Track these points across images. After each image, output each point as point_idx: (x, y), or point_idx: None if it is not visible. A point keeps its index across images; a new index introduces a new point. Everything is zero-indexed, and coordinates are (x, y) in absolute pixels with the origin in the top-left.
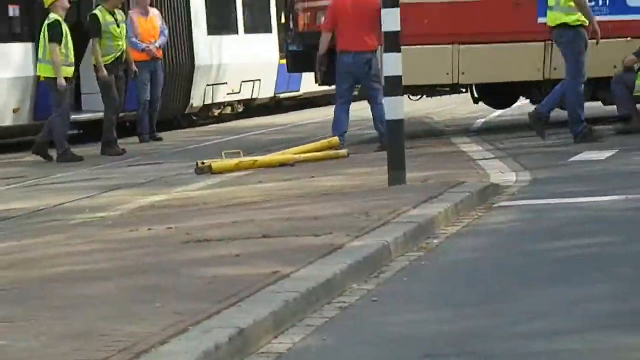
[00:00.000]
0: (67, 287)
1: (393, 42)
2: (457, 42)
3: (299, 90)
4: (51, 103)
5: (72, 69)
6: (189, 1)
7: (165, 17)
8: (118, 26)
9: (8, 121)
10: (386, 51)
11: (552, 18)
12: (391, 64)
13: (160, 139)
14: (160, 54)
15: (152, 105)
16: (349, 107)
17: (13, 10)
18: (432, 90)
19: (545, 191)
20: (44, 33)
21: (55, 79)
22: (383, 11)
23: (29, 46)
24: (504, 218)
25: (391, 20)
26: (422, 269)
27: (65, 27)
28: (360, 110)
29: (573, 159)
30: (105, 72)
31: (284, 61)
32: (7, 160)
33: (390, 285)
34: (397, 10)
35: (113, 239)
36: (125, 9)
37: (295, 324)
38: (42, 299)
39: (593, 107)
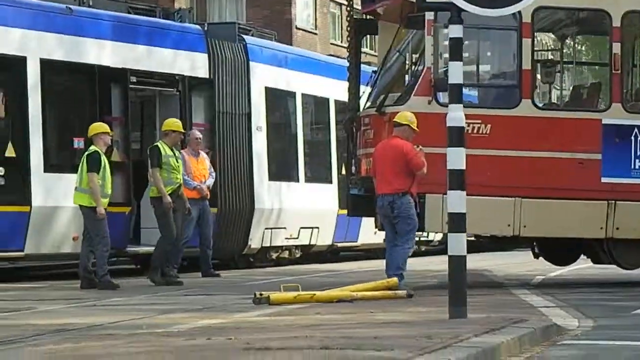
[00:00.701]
0: None
1: (457, 180)
2: (519, 195)
3: (356, 241)
4: (89, 232)
5: (107, 199)
6: (252, 147)
7: (228, 160)
8: (177, 160)
9: (68, 248)
10: (450, 189)
11: None
12: (455, 202)
13: (217, 275)
14: (208, 194)
15: (206, 243)
16: (392, 247)
17: (77, 143)
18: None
19: (609, 334)
20: (83, 162)
21: (93, 207)
22: (448, 150)
23: None
24: (567, 353)
25: (455, 158)
26: None
27: (104, 159)
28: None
29: (636, 311)
30: (169, 199)
31: (343, 211)
32: (65, 285)
33: None
34: (461, 150)
35: (172, 344)
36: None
37: None
38: None
39: None
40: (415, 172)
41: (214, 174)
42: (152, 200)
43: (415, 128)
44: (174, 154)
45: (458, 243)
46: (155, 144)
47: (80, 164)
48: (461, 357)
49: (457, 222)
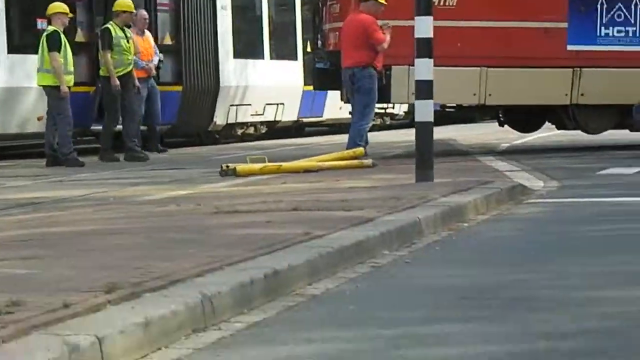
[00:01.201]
0: (97, 238)
1: (425, 48)
2: (484, 64)
3: (321, 116)
4: (52, 111)
5: (72, 77)
6: (216, 25)
7: (192, 39)
8: (128, 41)
9: (33, 128)
10: (418, 57)
11: None
12: (422, 69)
13: (165, 151)
14: (154, 72)
15: (156, 120)
16: None
17: (40, 24)
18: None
19: (574, 192)
20: (43, 43)
21: (57, 86)
22: (416, 18)
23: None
24: (534, 209)
25: (423, 27)
26: (455, 242)
27: (63, 38)
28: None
29: (600, 172)
30: (117, 83)
31: (308, 87)
32: (32, 162)
33: (422, 251)
34: (429, 18)
35: (141, 210)
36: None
37: (329, 275)
38: (73, 245)
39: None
40: (376, 47)
41: (158, 53)
42: (102, 80)
43: (382, 1)
44: (125, 35)
45: (425, 109)
46: (106, 25)
47: (40, 45)
48: (429, 215)
49: (424, 89)
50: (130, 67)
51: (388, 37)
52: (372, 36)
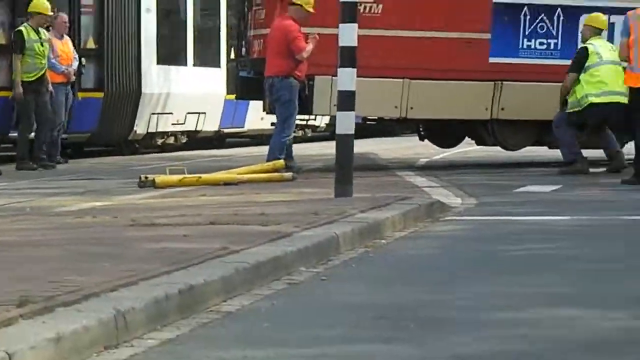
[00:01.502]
0: (12, 250)
1: (348, 57)
2: (407, 76)
3: (243, 126)
4: None
5: None
6: (140, 29)
7: (115, 43)
8: (42, 45)
9: None
10: (341, 66)
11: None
12: (345, 79)
13: (62, 162)
14: (73, 78)
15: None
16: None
17: None
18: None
19: (491, 210)
20: None
21: None
22: (340, 26)
23: None
24: (452, 227)
25: (347, 35)
26: (372, 259)
27: None
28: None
29: (517, 190)
30: (20, 90)
31: (231, 96)
32: None
33: (339, 268)
34: (354, 26)
35: (57, 221)
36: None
37: (244, 292)
38: None
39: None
40: (295, 55)
41: (77, 58)
42: (13, 85)
43: (310, 9)
44: (40, 38)
45: (346, 121)
46: (19, 27)
47: None
48: (347, 231)
49: (346, 100)
50: (43, 71)
51: (310, 47)
52: (292, 43)
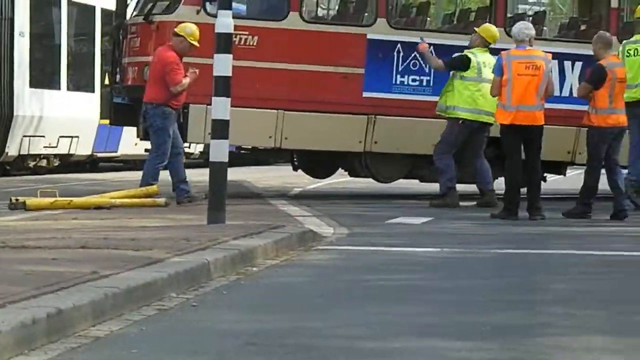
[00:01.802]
0: None
1: (223, 87)
2: (282, 108)
3: (116, 151)
4: None
5: None
6: (13, 53)
7: None
8: None
9: None
10: (215, 95)
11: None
12: (219, 108)
13: None
14: None
15: None
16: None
17: None
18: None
19: (362, 241)
20: None
21: None
22: (215, 56)
23: None
24: (322, 256)
25: (222, 65)
26: (243, 286)
27: None
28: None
29: (389, 221)
30: None
31: (104, 121)
32: None
33: (210, 295)
34: (228, 57)
35: None
36: None
37: (114, 317)
38: None
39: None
40: (170, 87)
41: None
42: None
43: (194, 42)
44: None
45: (220, 149)
46: None
47: None
48: (218, 257)
49: (220, 128)
50: None
51: (186, 81)
52: (167, 75)
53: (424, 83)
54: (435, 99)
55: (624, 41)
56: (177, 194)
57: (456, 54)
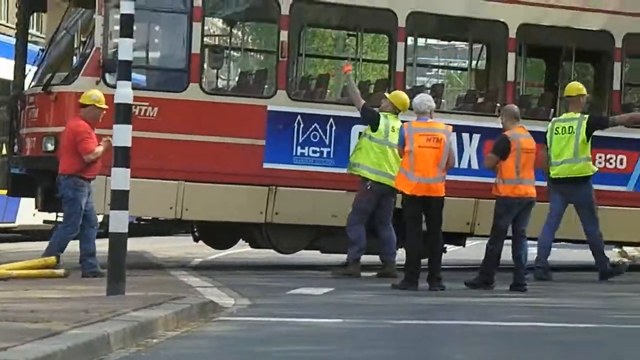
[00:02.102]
0: None
1: (122, 157)
2: (182, 178)
3: (14, 222)
4: None
5: None
6: None
7: None
8: None
9: None
10: (115, 166)
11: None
12: (119, 179)
13: None
14: None
15: None
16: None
17: None
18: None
19: (264, 312)
20: None
21: None
22: (115, 127)
23: None
24: (224, 328)
25: (121, 135)
26: (142, 358)
27: None
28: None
29: (290, 292)
30: None
31: (1, 191)
32: None
33: None
34: (128, 127)
35: None
36: None
37: None
38: None
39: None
40: (83, 156)
41: None
42: None
43: (103, 106)
44: None
45: (120, 220)
46: None
47: None
48: (118, 330)
49: (119, 199)
50: None
51: (99, 149)
52: (79, 145)
53: (325, 154)
54: (336, 170)
55: (553, 119)
56: (83, 267)
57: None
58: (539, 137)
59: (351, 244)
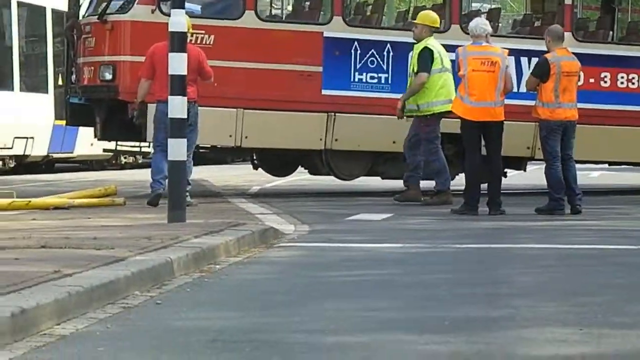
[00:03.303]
0: None
1: (179, 86)
2: (241, 106)
3: (72, 152)
4: None
5: None
6: None
7: None
8: None
9: None
10: (172, 94)
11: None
12: (176, 107)
13: None
14: None
15: None
16: (166, 155)
17: None
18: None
19: (324, 237)
20: None
21: None
22: (170, 55)
23: None
24: (286, 253)
25: (177, 64)
26: (206, 284)
27: None
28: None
29: (349, 218)
30: None
31: (60, 122)
32: None
33: (174, 293)
34: (184, 55)
35: None
36: None
37: (78, 316)
38: None
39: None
40: (208, 79)
41: None
42: None
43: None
44: None
45: (178, 148)
46: None
47: None
48: (181, 256)
49: (177, 127)
50: None
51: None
52: (206, 68)
53: (382, 80)
54: (395, 96)
55: None
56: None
57: (419, 57)
58: (597, 61)
59: (437, 174)
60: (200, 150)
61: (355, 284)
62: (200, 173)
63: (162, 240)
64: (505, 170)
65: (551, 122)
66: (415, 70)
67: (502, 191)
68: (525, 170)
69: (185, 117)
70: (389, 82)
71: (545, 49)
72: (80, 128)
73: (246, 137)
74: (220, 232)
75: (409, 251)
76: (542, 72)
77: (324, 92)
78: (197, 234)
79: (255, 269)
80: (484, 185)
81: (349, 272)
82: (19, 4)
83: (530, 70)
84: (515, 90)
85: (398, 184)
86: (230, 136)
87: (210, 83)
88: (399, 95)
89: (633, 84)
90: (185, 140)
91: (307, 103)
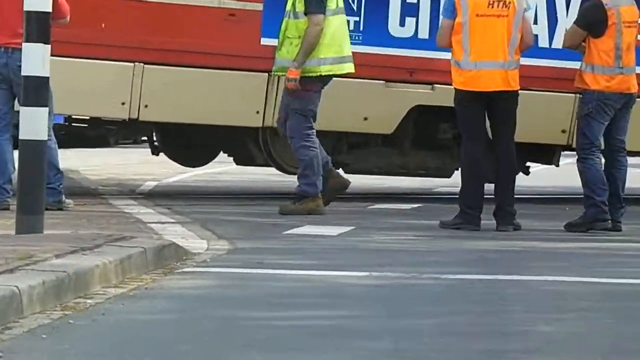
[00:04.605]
0: None
1: (37, 29)
2: (142, 60)
3: None
4: None
5: None
6: None
7: None
8: None
9: None
10: (27, 41)
11: None
12: (34, 59)
13: None
14: None
15: None
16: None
17: None
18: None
19: (251, 260)
20: None
21: None
22: None
23: None
24: (192, 282)
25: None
26: (72, 328)
27: None
28: None
29: (289, 231)
30: None
31: None
32: None
33: (22, 340)
34: None
35: None
36: None
37: None
38: None
39: None
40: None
41: None
42: None
43: None
44: None
45: (35, 121)
46: None
47: None
48: (34, 285)
49: (34, 90)
50: None
51: None
52: None
53: (351, 26)
54: (369, 50)
55: None
56: None
57: None
58: None
59: (303, 169)
60: (72, 125)
61: (295, 332)
62: (66, 160)
63: (5, 261)
64: (527, 164)
65: (606, 95)
66: (302, 9)
67: (516, 196)
68: (557, 165)
69: (48, 75)
70: (361, 28)
71: None
72: None
73: (146, 107)
74: (96, 250)
75: (376, 283)
76: (594, 21)
77: (264, 41)
78: (59, 252)
79: (146, 307)
80: (489, 187)
81: (284, 312)
82: None
83: (576, 18)
84: (543, 45)
85: (368, 180)
86: (123, 104)
87: (64, 24)
88: (373, 50)
89: None
90: (47, 110)
91: (239, 57)
